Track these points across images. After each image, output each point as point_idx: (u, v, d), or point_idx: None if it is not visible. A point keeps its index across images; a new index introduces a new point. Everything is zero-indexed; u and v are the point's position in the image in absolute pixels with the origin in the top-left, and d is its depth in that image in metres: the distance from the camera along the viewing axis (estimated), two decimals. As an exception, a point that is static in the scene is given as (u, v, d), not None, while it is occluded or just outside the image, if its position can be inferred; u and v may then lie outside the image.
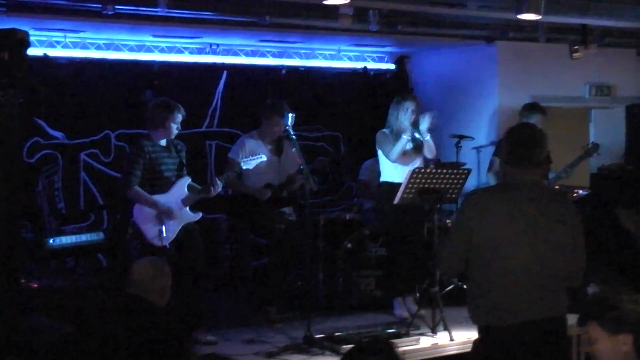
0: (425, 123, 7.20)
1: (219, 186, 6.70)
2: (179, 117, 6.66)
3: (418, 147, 7.35)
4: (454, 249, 4.31)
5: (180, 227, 6.58)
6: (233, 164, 7.27)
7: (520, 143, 4.28)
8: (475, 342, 4.44)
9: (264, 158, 7.06)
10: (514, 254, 4.15)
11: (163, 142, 6.69)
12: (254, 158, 6.97)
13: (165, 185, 6.61)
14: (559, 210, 4.26)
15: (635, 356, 3.43)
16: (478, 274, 4.25)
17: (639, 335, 3.42)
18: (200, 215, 6.74)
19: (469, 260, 4.26)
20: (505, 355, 4.18)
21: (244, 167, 6.93)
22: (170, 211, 6.52)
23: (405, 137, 7.16)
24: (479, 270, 4.24)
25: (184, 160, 6.81)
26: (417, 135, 7.25)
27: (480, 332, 4.35)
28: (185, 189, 6.68)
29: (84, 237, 7.55)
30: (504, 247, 4.16)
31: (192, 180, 6.80)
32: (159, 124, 6.63)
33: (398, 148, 7.19)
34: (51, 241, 7.32)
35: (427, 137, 7.27)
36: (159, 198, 6.54)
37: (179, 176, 6.72)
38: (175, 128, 6.66)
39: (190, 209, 6.69)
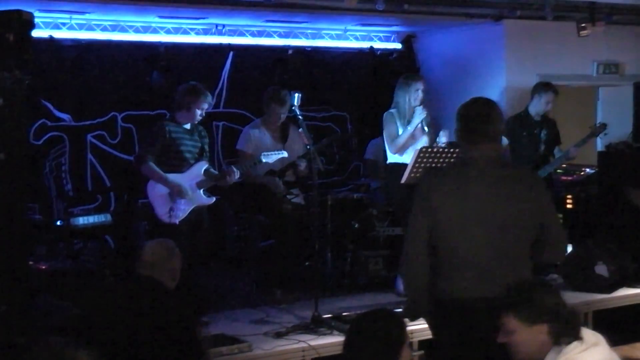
0: (445, 136, 7.17)
1: (236, 174, 6.74)
2: (205, 105, 6.79)
3: (424, 129, 7.34)
4: (419, 239, 4.17)
5: (191, 208, 6.66)
6: (243, 155, 7.36)
7: (472, 118, 4.19)
8: (432, 324, 4.41)
9: (285, 154, 7.11)
10: (464, 232, 4.08)
11: (187, 126, 6.80)
12: (275, 153, 7.03)
13: (182, 166, 6.71)
14: (516, 187, 4.14)
15: (552, 343, 3.54)
16: (437, 251, 4.17)
17: (554, 324, 3.54)
18: (213, 199, 6.82)
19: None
20: (456, 329, 4.12)
21: (264, 161, 6.98)
22: (182, 190, 6.59)
23: (410, 129, 7.13)
24: (436, 248, 4.16)
25: (207, 147, 6.92)
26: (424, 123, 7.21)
27: (434, 307, 4.25)
28: (202, 173, 6.77)
29: (91, 219, 7.56)
30: (455, 226, 4.09)
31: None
32: (184, 107, 6.74)
33: (401, 140, 7.15)
34: (59, 223, 7.34)
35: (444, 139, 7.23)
36: (173, 177, 6.64)
37: (198, 160, 6.81)
38: (199, 114, 6.76)
39: (204, 192, 6.75)
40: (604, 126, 8.39)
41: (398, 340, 3.55)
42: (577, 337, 3.53)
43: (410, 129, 7.14)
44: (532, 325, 3.54)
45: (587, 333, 3.59)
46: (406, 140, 7.17)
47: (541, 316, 3.53)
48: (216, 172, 6.93)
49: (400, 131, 7.20)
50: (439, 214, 4.12)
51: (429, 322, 4.46)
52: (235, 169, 6.79)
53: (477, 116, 4.19)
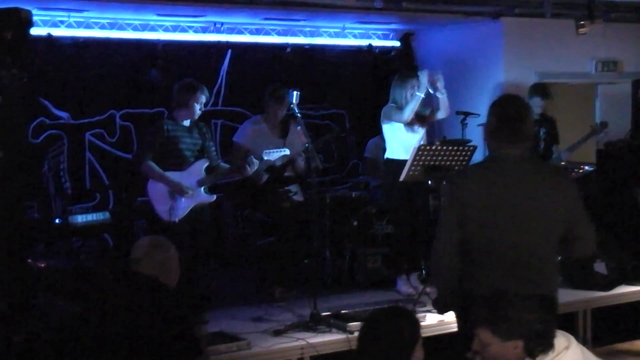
0: (441, 81, 7.20)
1: (255, 165, 6.78)
2: (203, 99, 6.82)
3: (423, 118, 7.35)
4: (449, 235, 4.18)
5: (192, 206, 6.68)
6: (238, 148, 7.36)
7: (507, 117, 4.17)
8: (457, 318, 4.43)
9: (288, 152, 7.10)
10: (498, 231, 4.10)
11: (186, 123, 6.82)
12: (277, 151, 7.02)
13: (182, 164, 6.73)
14: (547, 184, 4.17)
15: (525, 357, 3.53)
16: (463, 247, 4.19)
17: (529, 341, 3.51)
18: (214, 197, 6.83)
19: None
20: None
21: (266, 159, 6.96)
22: (182, 188, 6.61)
23: (419, 94, 7.13)
24: (464, 244, 4.18)
25: (207, 144, 6.93)
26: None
27: (460, 300, 4.28)
28: (203, 171, 6.78)
29: (90, 217, 7.56)
30: (486, 222, 4.11)
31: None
32: (182, 104, 6.77)
33: (413, 105, 7.14)
34: (58, 221, 7.34)
35: (445, 95, 7.25)
36: (173, 175, 6.66)
37: (198, 158, 6.82)
38: (198, 109, 6.79)
39: (205, 190, 6.78)
40: (605, 124, 8.39)
41: (411, 338, 3.56)
42: (548, 351, 3.52)
43: (419, 94, 7.14)
44: (507, 340, 3.52)
45: (558, 338, 3.58)
46: (415, 107, 7.15)
47: (517, 333, 3.51)
48: (227, 166, 6.94)
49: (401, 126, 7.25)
50: (471, 210, 4.12)
51: (457, 316, 4.46)
52: (254, 159, 6.78)
53: (513, 115, 4.18)
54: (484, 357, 3.61)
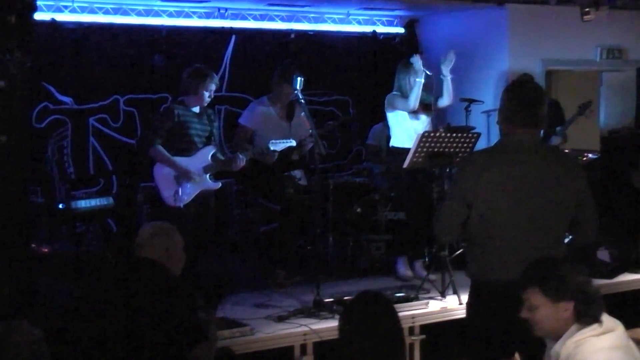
0: (449, 61, 7.21)
1: (242, 161, 6.76)
2: (212, 86, 6.80)
3: (427, 105, 7.35)
4: (452, 214, 4.21)
5: (197, 192, 6.69)
6: (243, 130, 7.33)
7: (521, 101, 4.15)
8: (467, 304, 4.43)
9: (294, 143, 7.06)
10: (507, 214, 4.10)
11: (196, 109, 6.82)
12: (283, 142, 6.97)
13: (190, 150, 6.73)
14: (558, 170, 4.18)
15: (574, 321, 3.51)
16: (473, 233, 4.21)
17: (579, 302, 3.50)
18: (219, 184, 6.85)
19: (466, 221, 4.21)
20: (494, 312, 4.15)
21: (272, 149, 6.93)
22: (189, 173, 6.63)
23: (419, 80, 7.13)
24: (473, 229, 4.19)
25: (215, 131, 6.94)
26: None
27: (471, 289, 4.33)
28: (209, 157, 6.78)
29: (93, 202, 7.56)
30: (497, 208, 4.11)
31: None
32: (192, 90, 6.76)
33: (416, 92, 7.14)
34: (61, 206, 7.34)
35: (449, 78, 7.25)
36: (180, 160, 6.67)
37: (206, 144, 6.83)
38: (207, 96, 6.78)
39: (210, 177, 6.77)
40: (589, 103, 8.38)
41: (387, 322, 3.47)
42: (597, 319, 3.51)
43: (419, 79, 7.14)
44: (558, 302, 3.50)
45: (607, 318, 3.56)
46: (418, 93, 7.15)
47: (568, 294, 3.49)
48: (223, 158, 6.93)
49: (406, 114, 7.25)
50: (480, 195, 4.12)
51: (468, 304, 4.46)
52: (241, 156, 6.77)
53: (528, 100, 4.16)
54: (533, 321, 3.59)
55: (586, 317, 3.50)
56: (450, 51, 7.32)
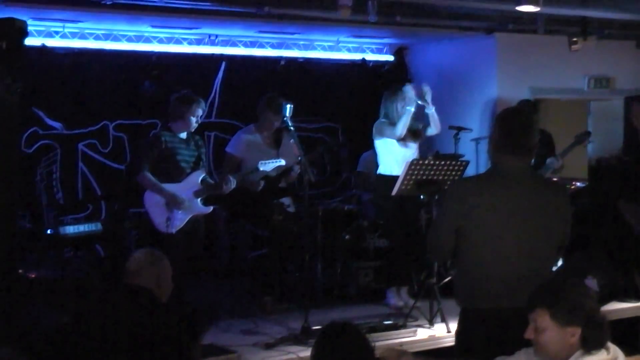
0: (429, 94, 7.24)
1: (232, 183, 6.75)
2: (199, 111, 6.84)
3: (415, 133, 7.37)
4: (441, 238, 4.23)
5: (188, 218, 6.70)
6: (231, 158, 7.37)
7: (513, 129, 4.17)
8: (457, 332, 4.41)
9: (283, 162, 7.08)
10: (496, 242, 4.10)
11: (183, 135, 6.84)
12: (272, 162, 6.99)
13: (178, 176, 6.75)
14: (547, 198, 4.20)
15: (579, 347, 3.47)
16: (462, 259, 4.22)
17: (587, 328, 3.47)
18: (211, 209, 6.85)
19: (456, 246, 4.22)
20: (482, 340, 4.12)
21: (261, 169, 6.94)
22: (177, 200, 6.62)
23: (410, 108, 7.16)
24: (462, 255, 4.20)
25: (204, 157, 6.97)
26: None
27: (460, 316, 4.32)
28: (199, 182, 6.80)
29: (82, 228, 7.56)
30: (487, 236, 4.11)
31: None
32: (179, 116, 6.79)
33: (405, 120, 7.18)
34: (49, 231, 7.32)
35: (432, 109, 7.29)
36: (169, 187, 6.68)
37: (194, 169, 6.84)
38: (194, 122, 6.81)
39: (201, 202, 6.79)
40: (587, 134, 8.41)
41: (363, 355, 3.47)
42: (603, 345, 3.49)
43: (410, 108, 7.17)
44: (566, 326, 3.45)
45: (612, 346, 3.55)
46: (407, 122, 7.18)
47: (578, 319, 3.45)
48: (212, 182, 6.93)
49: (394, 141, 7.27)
50: (469, 222, 4.12)
51: (457, 332, 4.43)
52: (231, 178, 6.78)
53: (519, 128, 4.18)
54: (537, 343, 3.55)
55: (593, 343, 3.47)
56: (422, 85, 7.36)
